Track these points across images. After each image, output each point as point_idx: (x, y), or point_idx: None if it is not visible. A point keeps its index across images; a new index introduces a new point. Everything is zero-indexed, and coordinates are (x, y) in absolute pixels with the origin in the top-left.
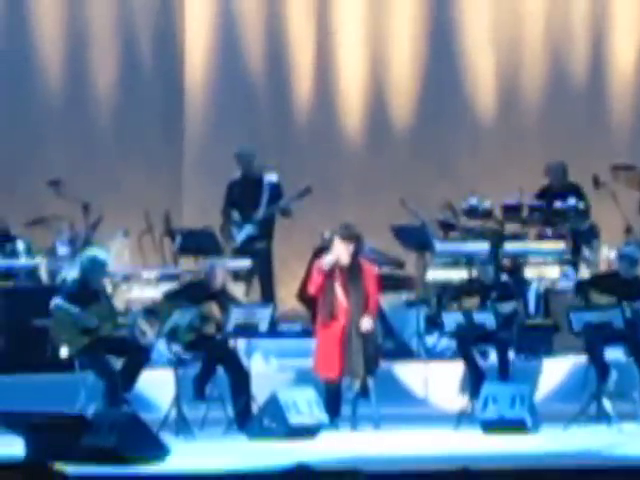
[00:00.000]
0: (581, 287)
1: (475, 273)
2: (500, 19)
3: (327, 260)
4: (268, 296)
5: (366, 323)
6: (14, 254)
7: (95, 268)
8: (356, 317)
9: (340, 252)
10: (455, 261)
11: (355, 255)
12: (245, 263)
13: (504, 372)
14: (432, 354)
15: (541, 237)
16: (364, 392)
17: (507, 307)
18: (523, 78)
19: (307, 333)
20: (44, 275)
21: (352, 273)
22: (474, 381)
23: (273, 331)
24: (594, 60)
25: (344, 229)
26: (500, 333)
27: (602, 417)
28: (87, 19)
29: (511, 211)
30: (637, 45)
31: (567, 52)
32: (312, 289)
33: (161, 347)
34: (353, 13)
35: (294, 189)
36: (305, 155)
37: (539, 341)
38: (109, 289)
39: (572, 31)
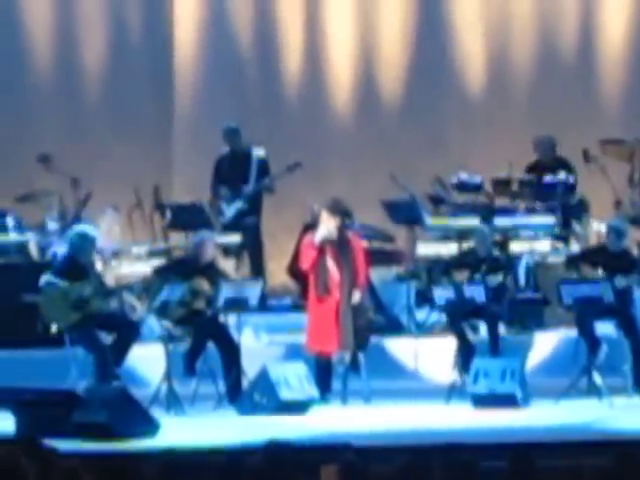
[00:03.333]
0: (571, 260)
1: (468, 246)
2: None
3: (319, 234)
4: (258, 271)
5: (357, 297)
6: (4, 230)
7: (84, 244)
8: (348, 291)
9: (328, 225)
10: (445, 235)
11: (343, 229)
12: (235, 238)
13: (494, 346)
14: (422, 328)
15: (531, 211)
16: (355, 367)
17: (496, 280)
18: (513, 52)
19: (297, 308)
20: (34, 251)
21: (341, 247)
22: (464, 355)
23: (263, 306)
24: (584, 33)
25: (330, 202)
26: (490, 307)
27: (592, 391)
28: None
29: (501, 185)
30: (627, 19)
31: (557, 25)
32: (305, 265)
33: (151, 322)
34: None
35: (283, 164)
36: (295, 129)
37: (529, 315)
38: (99, 265)
39: (562, 3)
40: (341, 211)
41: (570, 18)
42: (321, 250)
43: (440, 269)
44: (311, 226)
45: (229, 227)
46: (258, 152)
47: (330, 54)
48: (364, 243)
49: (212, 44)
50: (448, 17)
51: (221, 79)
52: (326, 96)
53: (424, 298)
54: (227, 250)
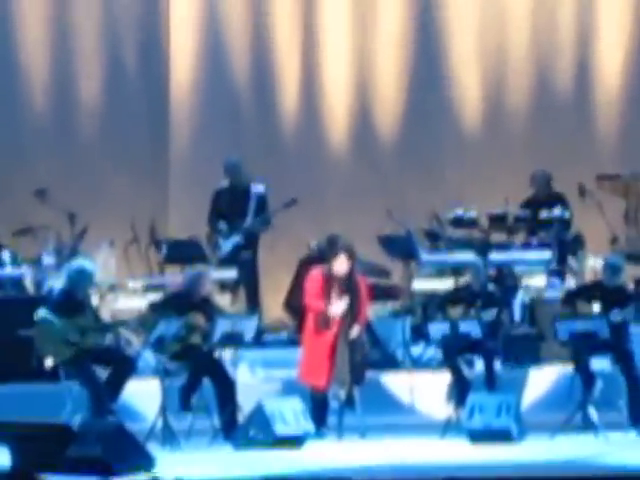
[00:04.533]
0: (568, 297)
1: (463, 281)
2: (486, 29)
3: (338, 308)
4: (253, 306)
5: (355, 331)
6: (2, 264)
7: (82, 279)
8: (347, 327)
9: (344, 266)
10: (440, 271)
11: (353, 269)
12: (231, 273)
13: (490, 381)
14: (418, 364)
15: (527, 246)
16: (350, 402)
17: (492, 315)
18: (508, 88)
19: (293, 343)
20: (29, 285)
21: (347, 285)
22: (460, 390)
23: (259, 341)
24: (579, 70)
25: (346, 246)
26: (486, 342)
27: (588, 426)
28: (72, 28)
29: (497, 220)
30: (622, 55)
31: (553, 62)
32: (311, 299)
33: (147, 357)
34: (339, 25)
35: (279, 199)
36: (291, 165)
37: (525, 350)
38: (95, 300)
39: (558, 41)
40: (354, 253)
41: (566, 54)
42: (327, 286)
43: (435, 304)
44: (310, 261)
45: (225, 261)
46: (257, 187)
47: (327, 90)
48: (368, 281)
49: (208, 79)
50: (444, 54)
51: (217, 114)
52: (322, 132)
53: (419, 333)
54: (223, 285)
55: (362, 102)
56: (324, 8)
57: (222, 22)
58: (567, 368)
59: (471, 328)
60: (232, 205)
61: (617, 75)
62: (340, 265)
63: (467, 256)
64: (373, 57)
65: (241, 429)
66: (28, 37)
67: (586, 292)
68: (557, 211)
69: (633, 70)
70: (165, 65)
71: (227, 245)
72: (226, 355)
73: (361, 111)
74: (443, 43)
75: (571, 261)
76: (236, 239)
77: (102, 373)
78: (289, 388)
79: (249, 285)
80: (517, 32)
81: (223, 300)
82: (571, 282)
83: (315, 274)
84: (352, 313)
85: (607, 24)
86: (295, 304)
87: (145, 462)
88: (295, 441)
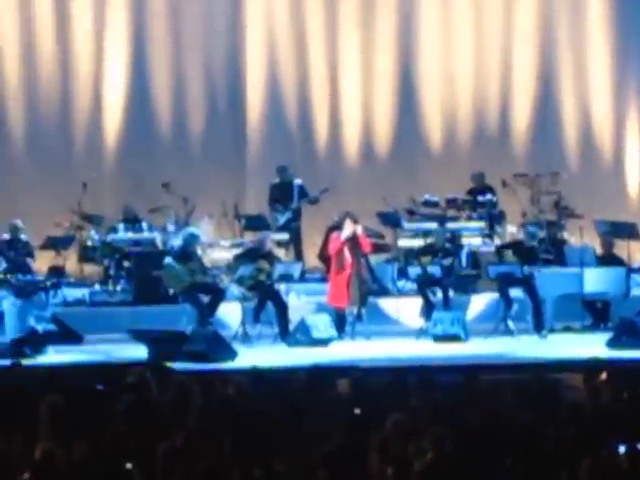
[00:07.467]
0: (498, 250)
1: (430, 241)
2: (445, 81)
3: (344, 234)
4: (299, 256)
5: (363, 267)
6: (141, 230)
7: (191, 239)
8: (357, 268)
9: (350, 228)
10: (416, 234)
11: (355, 230)
12: (285, 236)
13: (446, 303)
14: (401, 293)
15: (469, 219)
16: (359, 316)
17: (448, 262)
18: (458, 123)
19: (324, 280)
20: (159, 243)
21: (354, 241)
22: (428, 310)
23: (302, 278)
24: (503, 105)
25: (351, 215)
26: (444, 279)
27: (508, 332)
28: (185, 79)
29: (451, 202)
30: (530, 105)
31: (484, 106)
32: (332, 251)
33: (233, 289)
34: (351, 77)
35: (314, 190)
36: (322, 169)
37: (468, 284)
38: (200, 252)
39: (488, 88)
40: (357, 220)
41: (494, 98)
42: (343, 243)
43: (413, 255)
44: (333, 228)
45: (281, 229)
46: (298, 181)
47: (344, 120)
48: (368, 239)
49: (269, 118)
50: (417, 97)
51: (275, 137)
52: (342, 147)
53: (402, 273)
54: (280, 243)
55: (366, 129)
56: (344, 70)
57: (280, 82)
58: (495, 295)
59: (435, 270)
60: (283, 193)
61: (529, 107)
62: (347, 228)
63: (432, 225)
64: (374, 99)
65: (291, 334)
66: (157, 84)
67: (508, 247)
68: (488, 196)
69: (541, 103)
70: (243, 105)
71: (282, 219)
72: (282, 287)
73: (366, 135)
74: (416, 90)
75: (497, 228)
76: (287, 215)
77: (205, 299)
78: (321, 308)
79: (296, 244)
80: (462, 82)
81: (280, 253)
82: (497, 242)
83: (334, 236)
84: (358, 260)
85: (522, 64)
86: (324, 255)
87: (231, 355)
88: (324, 342)
